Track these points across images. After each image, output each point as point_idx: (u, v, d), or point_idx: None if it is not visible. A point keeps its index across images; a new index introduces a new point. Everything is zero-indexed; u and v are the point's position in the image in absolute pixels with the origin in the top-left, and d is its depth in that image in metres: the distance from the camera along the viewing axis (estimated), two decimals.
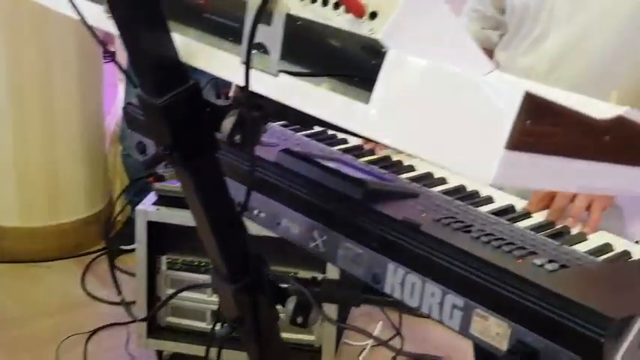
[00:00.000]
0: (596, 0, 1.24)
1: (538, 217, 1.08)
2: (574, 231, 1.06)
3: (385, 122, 0.68)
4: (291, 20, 0.77)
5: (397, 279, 0.91)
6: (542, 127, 0.62)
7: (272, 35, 0.78)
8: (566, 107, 0.64)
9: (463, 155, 0.62)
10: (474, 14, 1.51)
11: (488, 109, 0.61)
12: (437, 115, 0.64)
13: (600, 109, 0.69)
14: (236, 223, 0.97)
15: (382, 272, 0.93)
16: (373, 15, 0.70)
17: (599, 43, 1.25)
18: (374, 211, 0.96)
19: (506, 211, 1.08)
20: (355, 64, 0.78)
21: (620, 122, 0.69)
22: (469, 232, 0.94)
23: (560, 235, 1.03)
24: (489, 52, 1.53)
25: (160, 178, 1.18)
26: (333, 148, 1.24)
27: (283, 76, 0.78)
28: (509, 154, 0.60)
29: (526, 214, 1.09)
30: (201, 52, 0.86)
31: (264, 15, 0.77)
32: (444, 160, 0.63)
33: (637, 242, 1.53)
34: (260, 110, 0.85)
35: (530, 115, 0.60)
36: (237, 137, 0.86)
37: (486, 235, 0.93)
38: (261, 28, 0.78)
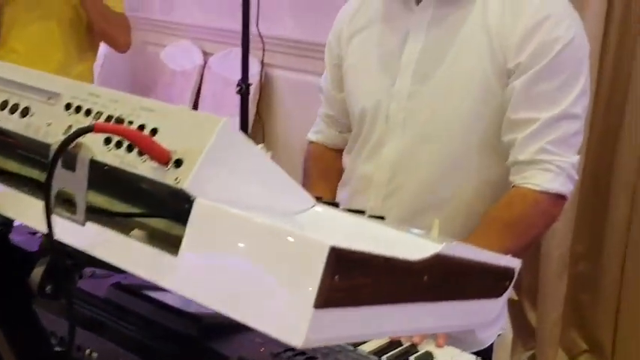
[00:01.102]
0: (426, 110, 1.27)
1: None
2: (421, 348, 1.04)
3: (193, 277, 0.63)
4: (97, 166, 0.72)
5: None
6: (353, 280, 0.59)
7: (77, 181, 0.72)
8: (377, 255, 0.61)
9: (271, 316, 0.58)
10: (328, 120, 1.51)
11: (293, 266, 0.58)
12: (245, 271, 0.60)
13: (418, 247, 0.68)
14: None
15: None
16: (179, 162, 0.66)
17: (432, 154, 1.27)
18: (210, 349, 0.91)
19: None
20: (167, 209, 0.74)
21: (437, 260, 0.67)
22: None
23: (407, 354, 1.01)
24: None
25: None
26: None
27: (90, 225, 0.72)
28: (319, 314, 0.56)
29: None
30: (2, 197, 0.79)
31: (67, 160, 0.72)
32: (252, 322, 0.59)
33: (491, 345, 1.54)
34: (73, 258, 0.79)
35: (338, 269, 0.57)
36: (49, 288, 0.79)
37: None
38: (65, 174, 0.72)
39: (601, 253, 2.33)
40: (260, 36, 2.96)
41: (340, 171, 1.46)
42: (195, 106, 3.57)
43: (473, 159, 1.26)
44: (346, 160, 1.47)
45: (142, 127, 0.70)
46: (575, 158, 1.23)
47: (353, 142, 1.41)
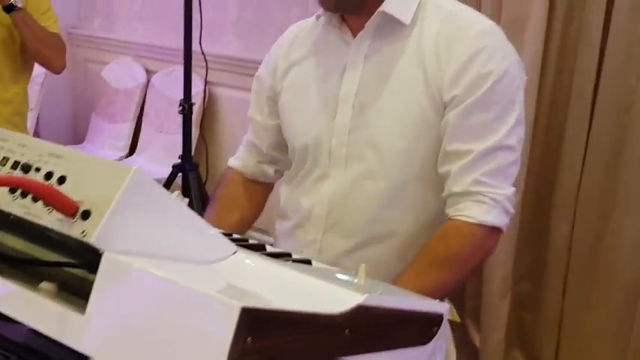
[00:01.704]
0: (366, 144, 1.25)
1: None
2: None
3: (100, 337, 0.60)
4: (2, 215, 0.68)
5: None
6: (268, 341, 0.56)
7: None
8: (294, 312, 0.59)
9: None
10: (250, 147, 1.47)
11: (203, 328, 0.55)
12: (153, 333, 0.57)
13: (340, 298, 0.65)
14: None
15: None
16: (86, 214, 0.63)
17: (371, 188, 1.25)
18: None
19: None
20: (79, 259, 0.70)
21: (359, 311, 0.65)
22: None
23: None
24: (267, 185, 1.49)
25: None
26: None
27: None
28: None
29: None
30: None
31: None
32: None
33: None
34: None
35: (251, 331, 0.55)
36: None
37: None
38: None
39: (543, 273, 2.35)
40: (203, 54, 2.91)
41: (249, 203, 1.44)
42: (138, 125, 3.50)
43: (412, 192, 1.24)
44: (285, 190, 1.43)
45: (49, 175, 0.67)
46: (511, 190, 1.23)
47: (294, 173, 1.38)
